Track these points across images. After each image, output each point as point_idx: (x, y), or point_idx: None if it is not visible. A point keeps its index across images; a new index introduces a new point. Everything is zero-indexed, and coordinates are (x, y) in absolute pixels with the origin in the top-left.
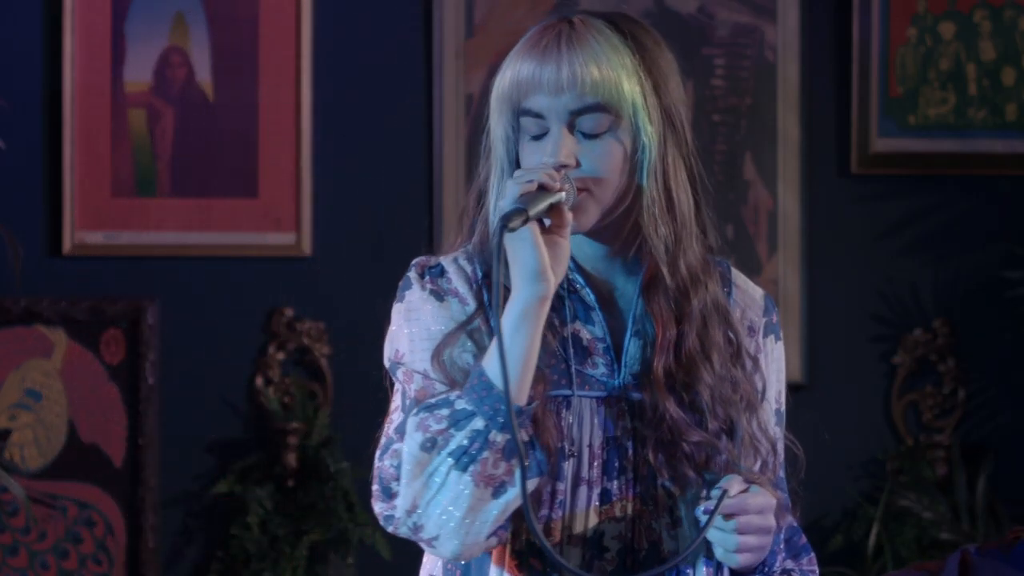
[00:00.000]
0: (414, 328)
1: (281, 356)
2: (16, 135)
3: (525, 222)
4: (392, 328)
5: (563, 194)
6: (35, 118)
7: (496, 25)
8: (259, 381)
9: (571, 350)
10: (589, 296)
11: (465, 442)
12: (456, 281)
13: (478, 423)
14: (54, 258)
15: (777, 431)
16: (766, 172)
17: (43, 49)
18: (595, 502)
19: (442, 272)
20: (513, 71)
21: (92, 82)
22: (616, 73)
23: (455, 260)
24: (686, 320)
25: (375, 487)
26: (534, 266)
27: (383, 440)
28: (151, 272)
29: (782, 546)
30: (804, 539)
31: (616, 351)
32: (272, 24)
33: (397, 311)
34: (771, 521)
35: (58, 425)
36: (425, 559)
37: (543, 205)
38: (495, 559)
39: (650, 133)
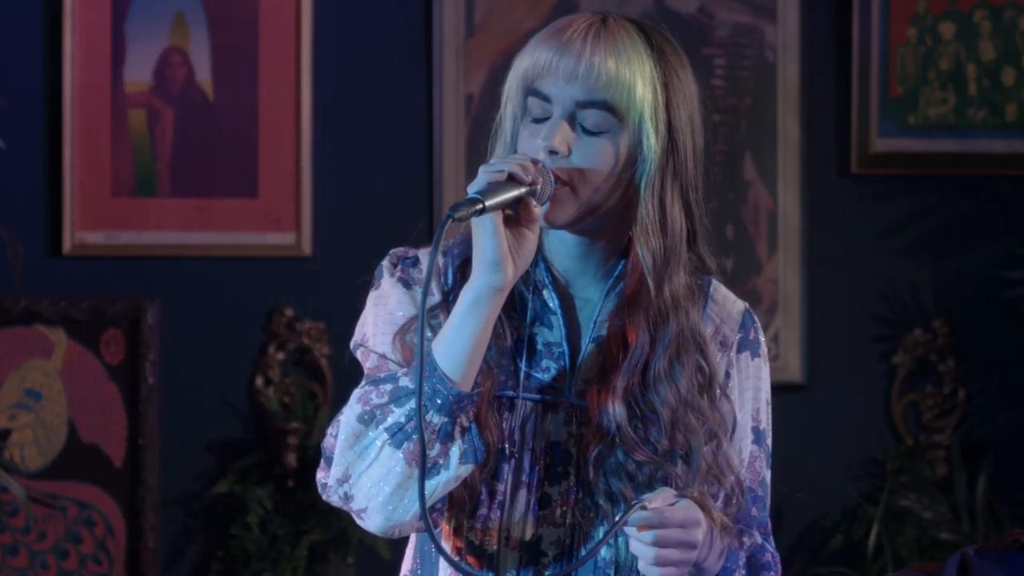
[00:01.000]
0: (380, 312)
1: (281, 356)
2: (16, 135)
3: (480, 212)
4: (364, 312)
5: (535, 187)
6: (35, 118)
7: (496, 25)
8: (259, 381)
9: (523, 351)
10: (552, 298)
11: (402, 419)
12: (427, 273)
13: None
14: (54, 258)
15: (755, 448)
16: (766, 172)
17: (43, 49)
18: (534, 506)
19: (415, 263)
20: (533, 52)
21: (92, 82)
22: (632, 77)
23: (431, 253)
24: (659, 342)
25: (322, 457)
26: (492, 255)
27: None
28: (151, 272)
29: (741, 563)
30: (770, 557)
31: (572, 357)
32: (272, 24)
33: (370, 297)
34: (695, 536)
35: (58, 425)
36: (407, 553)
37: (506, 196)
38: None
39: (652, 145)
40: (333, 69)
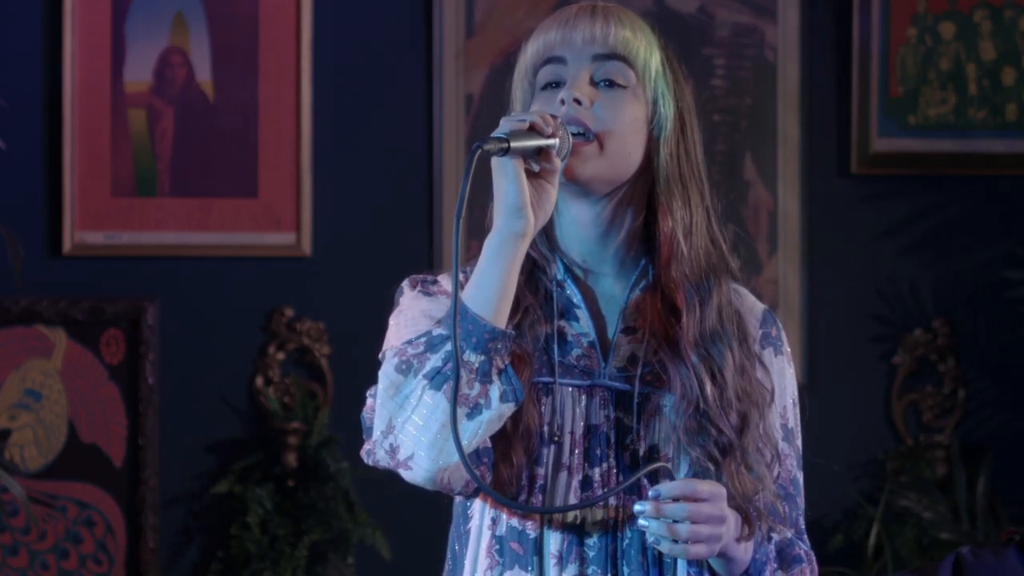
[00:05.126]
0: (400, 321)
1: (281, 356)
2: (16, 135)
3: (505, 152)
4: (388, 331)
5: (554, 141)
6: (35, 118)
7: (496, 25)
8: (259, 381)
9: (555, 343)
10: (575, 293)
11: (439, 363)
12: (446, 284)
13: (452, 345)
14: (54, 258)
15: (784, 446)
16: (766, 172)
17: (43, 49)
18: (576, 488)
19: (435, 282)
20: (540, 38)
21: (92, 82)
22: (642, 42)
23: (448, 275)
24: (705, 301)
25: (364, 436)
26: (514, 201)
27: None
28: (151, 272)
29: (772, 555)
30: (800, 550)
31: (602, 346)
32: (272, 24)
33: (391, 318)
34: (723, 510)
35: (58, 425)
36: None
37: (529, 143)
38: (484, 550)
39: (670, 103)
40: (333, 69)
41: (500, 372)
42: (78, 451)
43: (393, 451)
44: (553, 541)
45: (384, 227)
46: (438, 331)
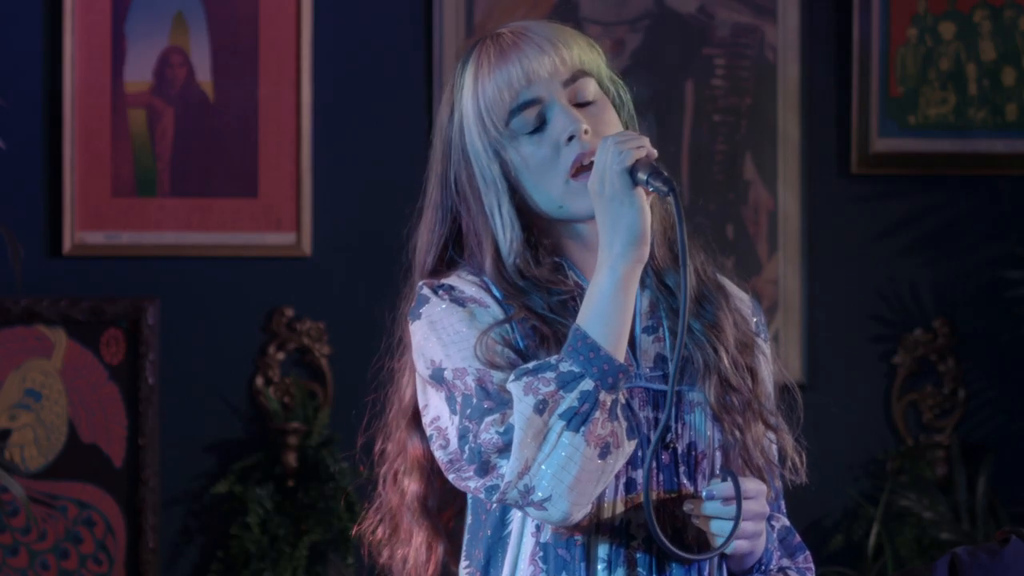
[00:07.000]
0: (442, 334)
1: (281, 356)
2: (16, 135)
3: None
4: (419, 342)
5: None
6: (35, 118)
7: (496, 25)
8: (259, 381)
9: None
10: None
11: (575, 403)
12: (470, 291)
13: (587, 384)
14: (54, 258)
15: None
16: (766, 172)
17: (43, 49)
18: (621, 491)
19: (452, 288)
20: (491, 85)
21: (92, 82)
22: (588, 47)
23: (459, 276)
24: (686, 273)
25: (467, 467)
26: (641, 230)
27: (454, 430)
28: (151, 272)
29: (776, 544)
30: (798, 539)
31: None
32: (272, 24)
33: (419, 327)
34: (765, 507)
35: (58, 425)
36: (468, 551)
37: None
38: (528, 557)
39: (624, 92)
40: (333, 69)
41: (623, 408)
42: (78, 451)
43: (527, 492)
44: (602, 547)
45: (384, 227)
46: (567, 366)
